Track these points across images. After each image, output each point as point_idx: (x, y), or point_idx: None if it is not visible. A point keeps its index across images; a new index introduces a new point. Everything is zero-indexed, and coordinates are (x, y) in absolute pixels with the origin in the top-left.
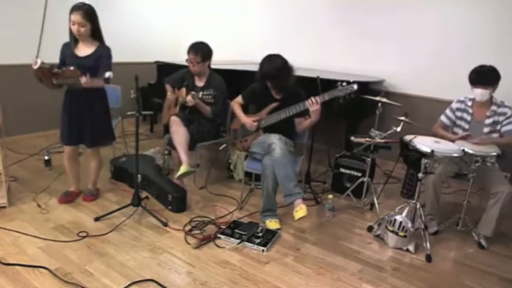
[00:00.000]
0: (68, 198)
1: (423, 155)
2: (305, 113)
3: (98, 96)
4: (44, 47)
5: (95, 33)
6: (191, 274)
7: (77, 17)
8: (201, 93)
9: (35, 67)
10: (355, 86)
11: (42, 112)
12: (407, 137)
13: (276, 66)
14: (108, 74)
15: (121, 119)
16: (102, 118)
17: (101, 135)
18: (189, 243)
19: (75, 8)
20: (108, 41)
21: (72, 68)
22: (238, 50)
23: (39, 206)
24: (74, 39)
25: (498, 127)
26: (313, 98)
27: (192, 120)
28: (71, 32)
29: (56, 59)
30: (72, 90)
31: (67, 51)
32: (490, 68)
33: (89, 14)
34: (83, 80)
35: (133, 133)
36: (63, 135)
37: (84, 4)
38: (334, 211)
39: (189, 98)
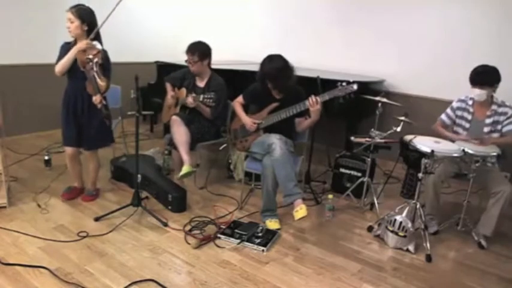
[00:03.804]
0: (71, 195)
1: (423, 155)
2: (305, 112)
3: None
4: (42, 47)
5: (90, 34)
6: (191, 274)
7: (68, 13)
8: (201, 96)
9: None
10: (355, 86)
11: (42, 112)
12: (407, 137)
13: (276, 66)
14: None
15: (121, 119)
16: (101, 120)
17: (100, 138)
18: (189, 243)
19: (69, 7)
20: (108, 41)
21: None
22: (238, 50)
23: (39, 206)
24: (74, 39)
25: (499, 127)
26: (313, 98)
27: (193, 120)
28: None
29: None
30: (72, 91)
31: (67, 48)
32: (490, 69)
33: (80, 12)
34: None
35: (134, 133)
36: (64, 137)
37: (79, 4)
38: (334, 211)
39: (189, 100)
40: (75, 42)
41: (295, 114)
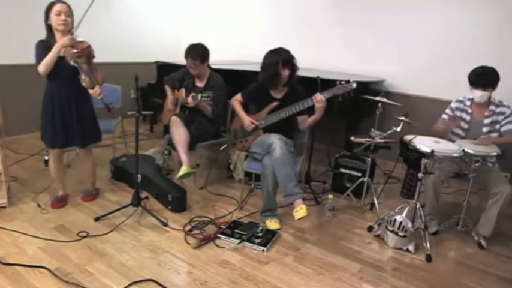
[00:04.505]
0: (61, 204)
1: (423, 155)
2: (306, 111)
3: (83, 96)
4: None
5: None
6: (191, 274)
7: (63, 6)
8: (199, 96)
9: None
10: (354, 85)
11: None
12: (407, 137)
13: (288, 52)
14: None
15: (121, 119)
16: (88, 117)
17: (92, 132)
18: (189, 243)
19: (58, 1)
20: (108, 41)
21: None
22: (238, 50)
23: (39, 206)
24: (51, 37)
25: (497, 127)
26: (319, 95)
27: (193, 120)
28: (50, 30)
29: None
30: (57, 90)
31: (48, 47)
32: (490, 70)
33: (70, 7)
34: (96, 91)
35: (134, 133)
36: (51, 139)
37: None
38: (334, 211)
39: (189, 99)
40: (51, 40)
41: (296, 113)
